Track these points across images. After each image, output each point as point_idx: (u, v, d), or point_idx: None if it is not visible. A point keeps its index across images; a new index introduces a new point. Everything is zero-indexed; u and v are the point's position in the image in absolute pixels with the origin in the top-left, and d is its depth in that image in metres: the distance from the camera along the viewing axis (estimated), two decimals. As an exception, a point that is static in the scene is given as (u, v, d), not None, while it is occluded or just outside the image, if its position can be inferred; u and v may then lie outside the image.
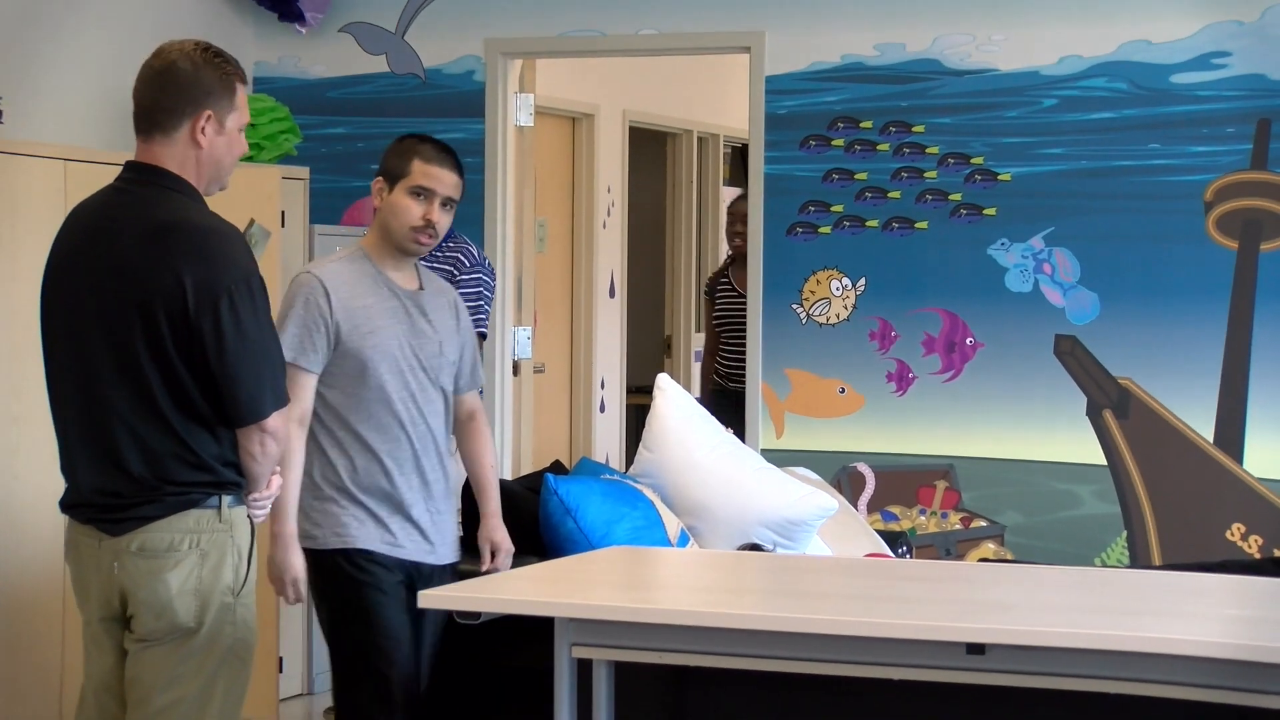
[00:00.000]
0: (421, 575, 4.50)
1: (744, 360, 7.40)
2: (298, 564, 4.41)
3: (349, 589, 4.45)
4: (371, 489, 4.48)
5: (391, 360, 4.49)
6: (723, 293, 8.33)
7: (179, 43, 3.89)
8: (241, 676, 3.88)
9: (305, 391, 4.43)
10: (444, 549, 4.59)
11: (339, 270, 4.54)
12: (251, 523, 3.91)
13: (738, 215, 8.16)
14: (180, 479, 3.78)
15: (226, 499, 3.82)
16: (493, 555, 4.63)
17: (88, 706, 3.92)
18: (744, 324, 7.47)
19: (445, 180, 4.58)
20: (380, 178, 4.59)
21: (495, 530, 4.65)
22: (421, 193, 4.54)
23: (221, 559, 3.81)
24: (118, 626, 3.86)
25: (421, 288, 4.63)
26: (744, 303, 7.63)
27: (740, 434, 6.87)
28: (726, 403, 7.73)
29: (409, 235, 4.53)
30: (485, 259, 5.83)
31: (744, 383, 7.45)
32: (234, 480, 3.83)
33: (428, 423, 4.53)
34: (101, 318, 3.78)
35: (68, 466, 3.91)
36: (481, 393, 4.82)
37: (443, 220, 4.58)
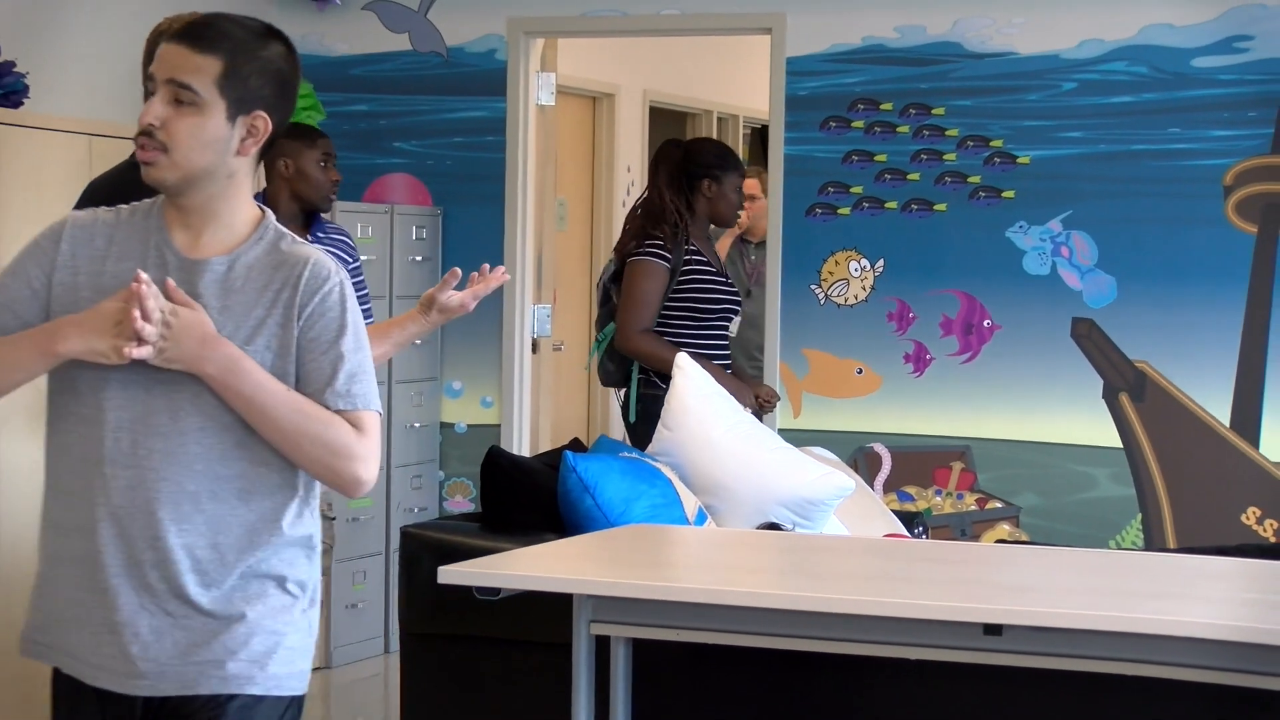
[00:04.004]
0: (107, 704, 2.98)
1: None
2: None
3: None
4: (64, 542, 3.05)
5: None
6: (697, 268, 6.21)
7: None
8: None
9: None
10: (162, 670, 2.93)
11: (113, 220, 2.98)
12: None
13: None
14: None
15: None
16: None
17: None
18: (734, 305, 6.27)
19: (163, 60, 2.86)
20: None
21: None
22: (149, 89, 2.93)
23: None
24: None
25: (233, 254, 2.90)
26: (727, 283, 6.27)
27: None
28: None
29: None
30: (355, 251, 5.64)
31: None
32: None
33: (140, 465, 2.88)
34: None
35: None
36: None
37: (175, 124, 2.85)
